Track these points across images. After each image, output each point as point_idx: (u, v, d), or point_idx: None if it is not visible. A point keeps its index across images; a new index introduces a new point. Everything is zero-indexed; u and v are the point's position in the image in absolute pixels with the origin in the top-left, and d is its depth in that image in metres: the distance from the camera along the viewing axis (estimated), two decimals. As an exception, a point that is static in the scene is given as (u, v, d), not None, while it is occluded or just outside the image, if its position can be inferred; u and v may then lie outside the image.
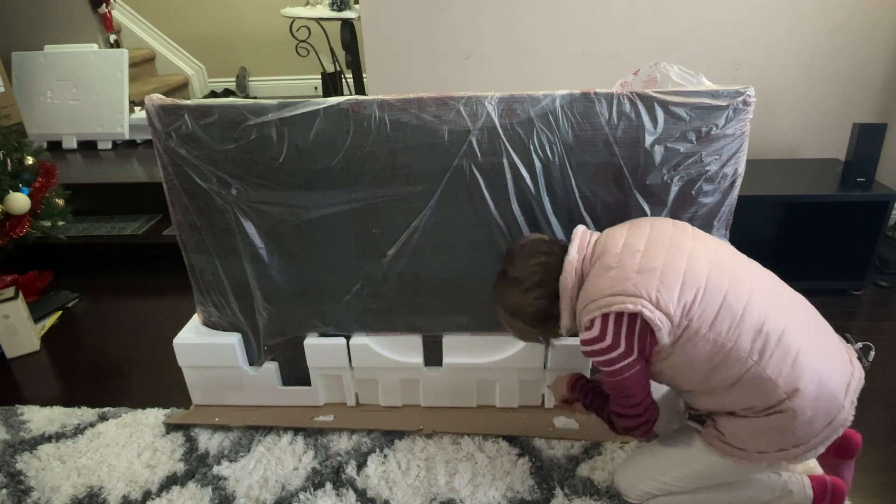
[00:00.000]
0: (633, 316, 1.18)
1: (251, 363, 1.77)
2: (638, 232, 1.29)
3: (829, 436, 1.16)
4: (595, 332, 1.21)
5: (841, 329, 2.02)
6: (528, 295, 1.31)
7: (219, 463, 1.64)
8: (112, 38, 3.50)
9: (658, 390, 1.64)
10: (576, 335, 1.32)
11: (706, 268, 1.20)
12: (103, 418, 1.82)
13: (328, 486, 1.55)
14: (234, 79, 4.64)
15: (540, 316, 1.33)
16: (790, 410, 1.15)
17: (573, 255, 1.29)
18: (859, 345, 1.31)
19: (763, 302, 1.19)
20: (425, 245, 1.55)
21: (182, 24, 4.47)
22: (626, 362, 1.20)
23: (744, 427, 1.21)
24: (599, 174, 1.45)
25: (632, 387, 1.23)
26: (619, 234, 1.30)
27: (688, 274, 1.19)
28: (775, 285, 1.26)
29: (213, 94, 4.64)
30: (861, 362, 1.24)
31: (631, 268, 1.21)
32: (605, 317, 1.20)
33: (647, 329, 1.18)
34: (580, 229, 1.35)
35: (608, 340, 1.20)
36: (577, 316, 1.29)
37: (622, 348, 1.19)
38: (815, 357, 1.17)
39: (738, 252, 1.31)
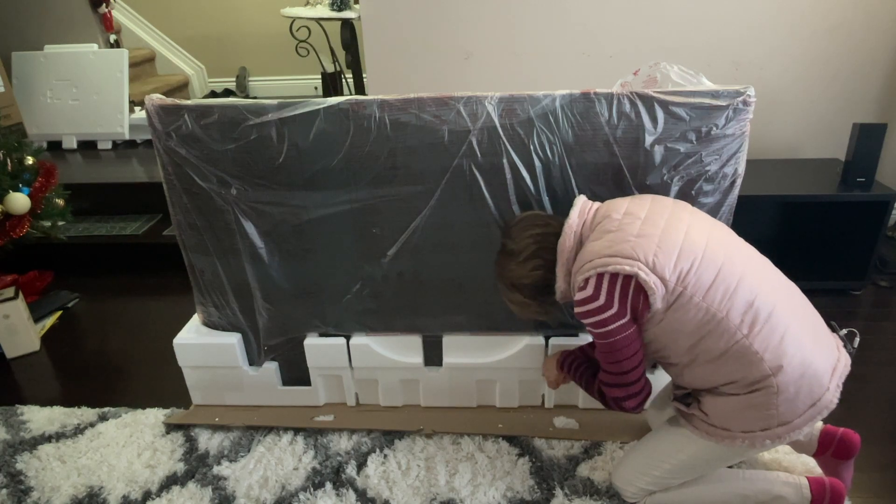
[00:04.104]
0: (628, 278, 1.19)
1: (251, 363, 1.77)
2: (640, 203, 1.31)
3: (813, 416, 1.18)
4: (589, 291, 1.22)
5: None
6: (524, 266, 1.33)
7: (219, 463, 1.64)
8: (112, 38, 3.50)
9: (655, 388, 1.65)
10: (571, 302, 1.33)
11: (704, 240, 1.22)
12: (103, 418, 1.82)
13: (328, 486, 1.55)
14: (234, 79, 4.64)
15: (537, 286, 1.35)
16: (773, 387, 1.16)
17: (573, 219, 1.31)
18: (844, 331, 1.33)
19: (756, 279, 1.20)
20: (425, 245, 1.55)
21: (182, 24, 4.47)
22: (617, 324, 1.21)
23: (727, 405, 1.23)
24: (599, 174, 1.45)
25: (622, 350, 1.24)
26: (622, 203, 1.32)
27: (685, 243, 1.20)
28: (769, 267, 1.28)
29: (213, 94, 4.64)
30: (846, 348, 1.26)
31: (630, 232, 1.23)
32: (599, 276, 1.21)
33: (641, 293, 1.19)
34: (582, 198, 1.37)
35: (601, 300, 1.21)
36: (571, 279, 1.30)
37: (615, 309, 1.20)
38: (801, 338, 1.19)
39: (734, 233, 1.33)
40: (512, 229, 1.38)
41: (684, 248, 1.20)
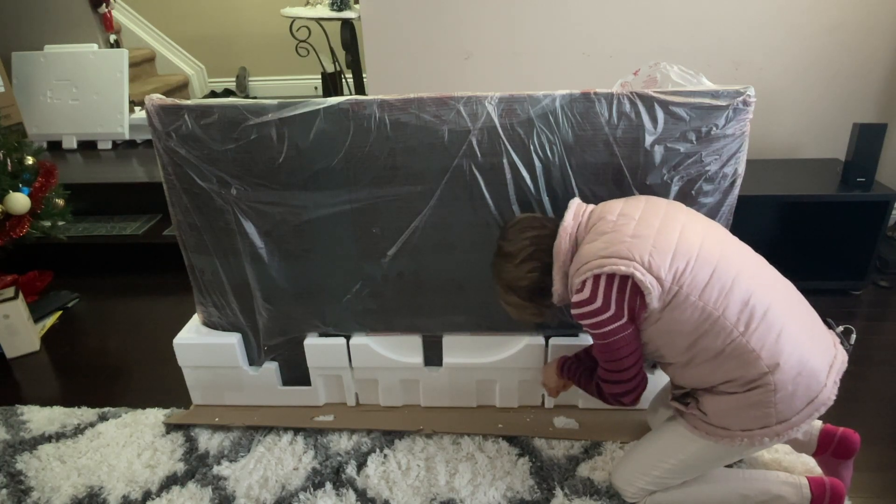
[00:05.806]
0: (624, 278, 1.20)
1: (251, 363, 1.77)
2: (634, 203, 1.32)
3: (810, 414, 1.18)
4: (586, 293, 1.22)
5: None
6: (521, 268, 1.34)
7: (219, 463, 1.64)
8: (112, 38, 3.50)
9: (654, 388, 1.65)
10: (568, 304, 1.34)
11: (699, 239, 1.23)
12: (103, 418, 1.82)
13: (328, 486, 1.55)
14: (234, 79, 4.64)
15: (534, 289, 1.35)
16: (771, 385, 1.16)
17: (568, 222, 1.32)
18: (840, 328, 1.33)
19: (751, 278, 1.21)
20: (425, 245, 1.55)
21: (182, 24, 4.47)
22: (615, 325, 1.22)
23: (725, 404, 1.23)
24: (599, 174, 1.45)
25: (620, 350, 1.25)
26: (616, 205, 1.32)
27: (680, 243, 1.21)
28: (764, 266, 1.28)
29: (213, 94, 4.64)
30: (843, 345, 1.26)
31: (625, 233, 1.23)
32: (596, 278, 1.22)
33: (637, 292, 1.20)
34: (576, 200, 1.38)
35: (598, 302, 1.21)
36: (569, 281, 1.30)
37: (612, 311, 1.21)
38: (798, 335, 1.19)
39: (729, 233, 1.33)
40: (508, 231, 1.38)
41: (679, 247, 1.20)
